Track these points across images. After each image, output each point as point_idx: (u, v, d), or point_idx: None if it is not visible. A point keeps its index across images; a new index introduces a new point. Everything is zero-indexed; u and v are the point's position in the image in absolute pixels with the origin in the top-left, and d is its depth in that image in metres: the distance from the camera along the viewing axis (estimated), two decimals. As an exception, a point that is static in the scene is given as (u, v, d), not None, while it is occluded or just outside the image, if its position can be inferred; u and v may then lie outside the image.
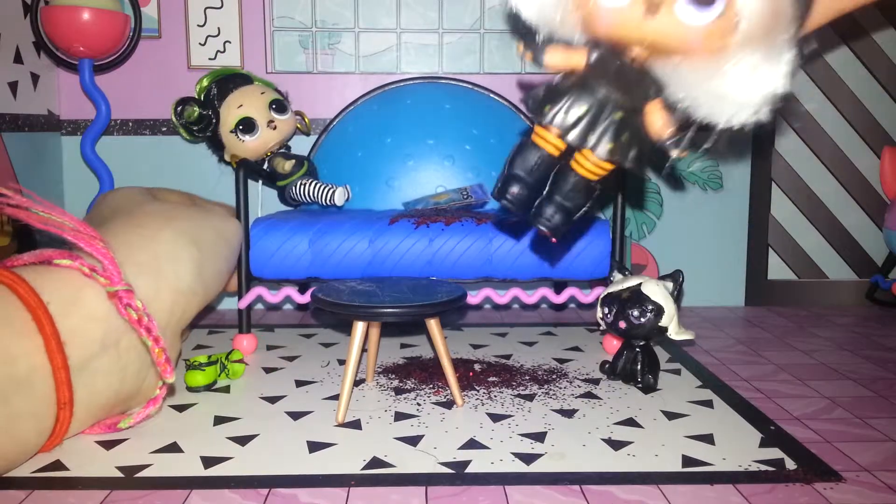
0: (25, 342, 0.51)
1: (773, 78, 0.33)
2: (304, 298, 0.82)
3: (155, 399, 0.58)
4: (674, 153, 0.37)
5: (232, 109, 0.92)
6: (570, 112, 0.38)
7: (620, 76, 0.37)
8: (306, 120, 0.99)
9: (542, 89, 0.40)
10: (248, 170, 0.83)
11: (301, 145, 1.01)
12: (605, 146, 0.38)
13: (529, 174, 0.42)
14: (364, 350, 0.70)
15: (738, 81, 0.32)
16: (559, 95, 0.39)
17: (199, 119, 0.91)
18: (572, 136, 0.38)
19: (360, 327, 0.61)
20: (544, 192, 0.42)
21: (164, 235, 0.64)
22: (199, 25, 1.04)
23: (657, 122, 0.37)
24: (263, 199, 0.99)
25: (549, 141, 0.40)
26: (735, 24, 0.32)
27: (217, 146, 0.95)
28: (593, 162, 0.39)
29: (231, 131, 0.91)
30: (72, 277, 0.56)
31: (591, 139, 0.38)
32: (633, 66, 0.36)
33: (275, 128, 0.92)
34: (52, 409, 0.52)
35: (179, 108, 0.92)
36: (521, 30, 0.38)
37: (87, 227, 0.58)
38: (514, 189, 0.42)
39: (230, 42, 1.05)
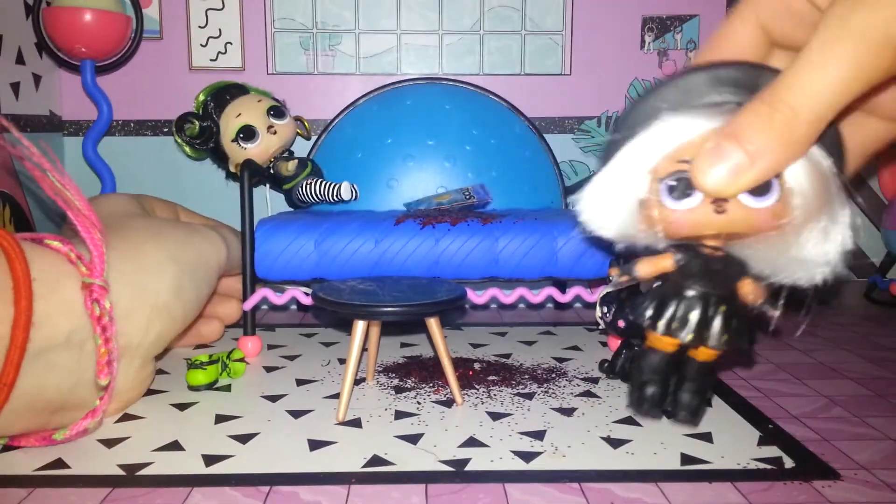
0: None
1: (841, 237, 0.37)
2: (310, 300, 0.82)
3: (94, 411, 0.56)
4: (774, 313, 0.41)
5: (231, 119, 0.92)
6: (678, 317, 0.42)
7: (708, 269, 0.41)
8: (306, 124, 0.99)
9: (646, 301, 0.44)
10: (252, 171, 0.82)
11: (300, 147, 1.01)
12: (720, 339, 0.42)
13: (656, 373, 0.46)
14: (364, 349, 0.71)
15: (812, 247, 0.37)
16: (662, 303, 0.43)
17: (200, 132, 0.91)
18: (688, 337, 0.42)
19: (360, 326, 0.61)
20: (673, 385, 0.46)
21: (149, 249, 0.62)
22: (200, 27, 1.05)
23: (749, 294, 0.42)
24: (272, 203, 0.99)
25: (666, 343, 0.44)
26: (791, 202, 0.36)
27: (221, 158, 0.95)
28: (711, 350, 0.43)
29: (232, 140, 0.92)
30: (59, 261, 0.54)
31: (706, 335, 0.42)
32: (715, 257, 0.40)
33: (275, 133, 0.92)
34: None
35: (181, 127, 0.92)
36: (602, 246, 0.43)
37: (93, 214, 0.57)
38: (650, 391, 0.46)
39: (231, 43, 1.05)
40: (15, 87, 0.95)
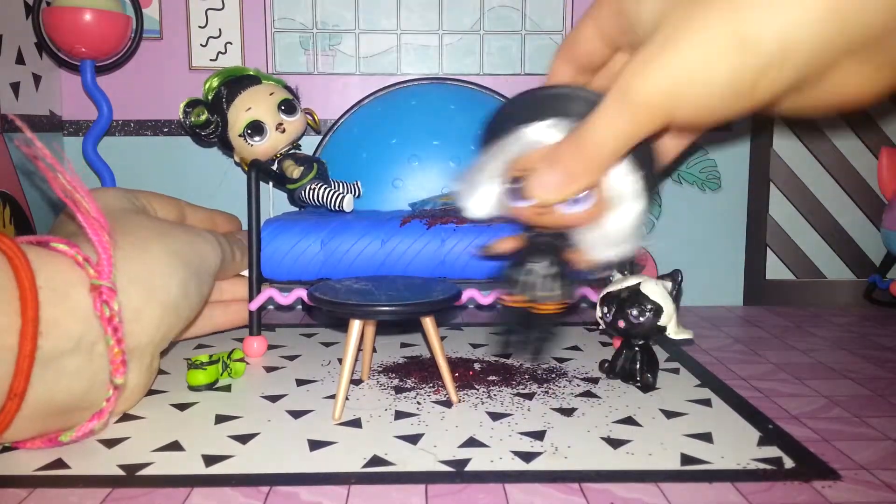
0: (3, 318, 0.49)
1: (629, 223, 0.49)
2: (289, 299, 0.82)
3: (100, 412, 0.56)
4: (595, 274, 0.57)
5: (241, 112, 0.90)
6: (525, 283, 0.54)
7: (546, 245, 0.54)
8: (315, 118, 0.98)
9: (505, 271, 0.56)
10: (260, 171, 0.82)
11: (307, 147, 1.01)
12: (555, 299, 0.54)
13: (516, 323, 0.59)
14: (361, 349, 0.71)
15: (609, 228, 0.49)
16: (514, 272, 0.55)
17: (205, 123, 0.90)
18: (530, 297, 0.55)
19: (356, 325, 0.62)
20: (527, 331, 0.59)
21: (156, 250, 0.62)
22: (200, 27, 1.05)
23: (577, 262, 0.54)
24: (275, 201, 0.98)
25: (517, 302, 0.57)
26: (605, 205, 0.48)
27: (228, 147, 0.94)
28: (550, 307, 0.56)
29: (240, 135, 0.90)
30: (66, 265, 0.54)
31: (542, 296, 0.54)
32: (550, 236, 0.53)
33: (283, 131, 0.91)
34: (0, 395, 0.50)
35: (188, 111, 0.90)
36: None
37: (102, 216, 0.57)
38: (512, 337, 0.59)
39: (231, 43, 1.05)
40: (15, 87, 0.95)
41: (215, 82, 0.91)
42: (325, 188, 0.89)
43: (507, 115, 0.52)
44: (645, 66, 0.35)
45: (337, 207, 0.88)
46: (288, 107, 0.91)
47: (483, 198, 0.54)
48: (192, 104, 0.90)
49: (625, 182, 0.50)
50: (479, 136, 0.54)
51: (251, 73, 0.94)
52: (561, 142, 0.45)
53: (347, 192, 0.90)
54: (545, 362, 0.79)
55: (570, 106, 0.48)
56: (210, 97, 0.91)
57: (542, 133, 0.49)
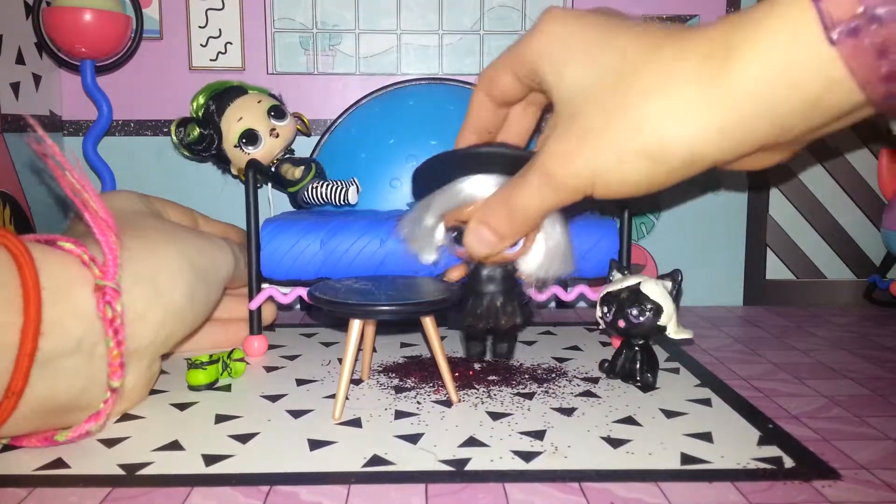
0: (5, 315, 0.49)
1: (559, 252, 0.62)
2: (289, 299, 0.82)
3: (97, 414, 0.56)
4: (539, 288, 0.69)
5: (232, 124, 0.91)
6: (477, 311, 0.64)
7: (490, 275, 0.63)
8: (305, 121, 0.99)
9: (465, 302, 0.66)
10: (258, 171, 0.82)
11: (304, 147, 1.01)
12: (503, 321, 0.64)
13: (481, 340, 0.75)
14: (361, 349, 0.71)
15: (545, 258, 0.62)
16: (466, 301, 0.65)
17: (199, 139, 0.90)
18: (482, 324, 0.64)
19: (356, 325, 0.62)
20: (490, 340, 0.76)
21: (164, 251, 0.62)
22: (200, 27, 1.05)
23: (526, 279, 0.65)
24: (275, 203, 0.98)
25: (476, 327, 0.65)
26: (534, 240, 0.60)
27: (223, 161, 0.94)
28: (502, 327, 0.65)
29: (235, 146, 0.91)
30: (70, 265, 0.54)
31: (493, 320, 0.64)
32: (494, 266, 0.63)
33: (277, 136, 0.91)
34: None
35: (180, 130, 0.90)
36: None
37: (110, 217, 0.57)
38: (477, 350, 0.76)
39: (231, 43, 1.05)
40: (15, 87, 0.95)
41: (202, 99, 0.92)
42: (328, 184, 0.89)
43: (440, 169, 0.60)
44: (567, 156, 0.41)
45: (342, 201, 0.88)
46: (277, 112, 0.92)
47: (429, 245, 0.64)
48: (183, 123, 0.91)
49: (550, 223, 0.60)
50: (413, 186, 0.65)
51: (235, 84, 0.94)
52: (492, 201, 0.52)
53: (351, 185, 0.90)
54: (545, 362, 0.79)
55: (498, 164, 0.56)
56: (200, 114, 0.92)
57: (475, 187, 0.58)
